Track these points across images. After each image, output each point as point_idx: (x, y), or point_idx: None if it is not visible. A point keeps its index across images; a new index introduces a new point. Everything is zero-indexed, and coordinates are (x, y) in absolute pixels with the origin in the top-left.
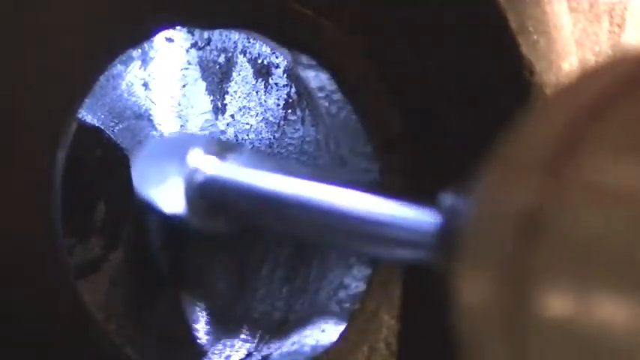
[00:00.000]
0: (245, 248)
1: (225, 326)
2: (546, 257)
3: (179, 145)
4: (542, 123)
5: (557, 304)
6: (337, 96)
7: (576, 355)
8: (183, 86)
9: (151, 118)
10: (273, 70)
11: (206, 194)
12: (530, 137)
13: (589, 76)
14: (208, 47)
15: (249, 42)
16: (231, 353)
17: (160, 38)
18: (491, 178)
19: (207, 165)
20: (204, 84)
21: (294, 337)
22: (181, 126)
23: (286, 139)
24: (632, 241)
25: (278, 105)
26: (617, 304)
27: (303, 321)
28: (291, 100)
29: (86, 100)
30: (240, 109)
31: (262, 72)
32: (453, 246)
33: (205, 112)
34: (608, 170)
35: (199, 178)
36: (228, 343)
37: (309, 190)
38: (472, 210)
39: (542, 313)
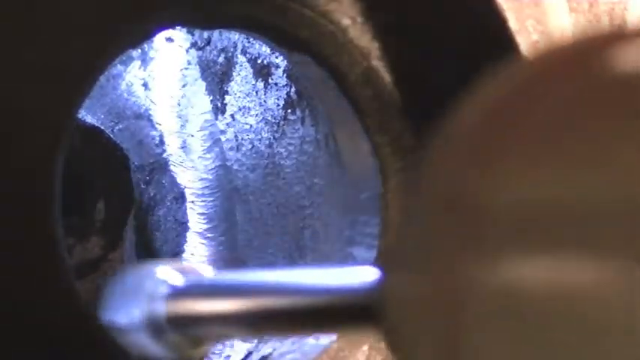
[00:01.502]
0: None
1: None
2: (477, 233)
3: (144, 271)
4: (472, 110)
5: (491, 279)
6: (337, 96)
7: (513, 333)
8: (183, 86)
9: (151, 118)
10: (273, 70)
11: (170, 304)
12: (459, 124)
13: (517, 64)
14: (208, 47)
15: (249, 42)
16: (231, 353)
17: (160, 38)
18: (424, 170)
19: (172, 279)
20: (204, 84)
21: (294, 337)
22: (181, 126)
23: (286, 139)
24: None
25: (278, 105)
26: (555, 272)
27: None
28: (291, 100)
29: (86, 100)
30: (240, 109)
31: (262, 72)
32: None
33: (205, 112)
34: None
35: (163, 290)
36: (228, 342)
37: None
38: (407, 205)
39: (475, 291)
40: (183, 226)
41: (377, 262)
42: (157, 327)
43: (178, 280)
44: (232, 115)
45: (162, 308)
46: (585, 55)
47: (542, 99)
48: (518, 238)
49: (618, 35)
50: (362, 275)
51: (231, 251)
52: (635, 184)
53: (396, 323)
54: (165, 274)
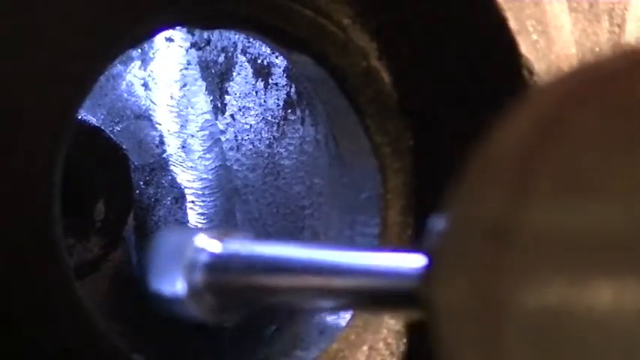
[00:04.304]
0: None
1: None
2: (514, 259)
3: (183, 238)
4: (507, 134)
5: (530, 300)
6: (337, 96)
7: (551, 349)
8: (183, 86)
9: (151, 118)
10: (273, 70)
11: (210, 272)
12: (495, 148)
13: (549, 85)
14: (208, 47)
15: (249, 42)
16: None
17: (160, 38)
18: (461, 193)
19: (211, 246)
20: (204, 84)
21: (294, 337)
22: (181, 126)
23: (286, 139)
24: (598, 233)
25: (278, 105)
26: (592, 291)
27: (303, 321)
28: (291, 100)
29: (86, 100)
30: (240, 109)
31: (262, 72)
32: (429, 266)
33: (205, 112)
34: (571, 172)
35: (203, 258)
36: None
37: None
38: (445, 226)
39: (514, 310)
40: (185, 226)
41: (425, 251)
42: (196, 294)
43: (217, 248)
44: (232, 115)
45: (202, 276)
46: (612, 80)
47: (572, 126)
48: (553, 262)
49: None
50: (407, 261)
51: None
52: None
53: (441, 323)
54: (205, 242)
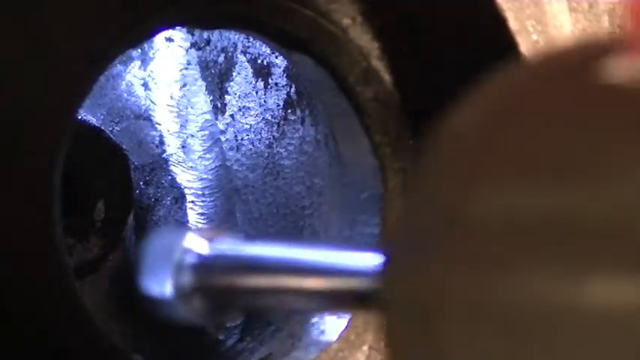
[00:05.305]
0: None
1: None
2: (462, 248)
3: (173, 238)
4: (459, 122)
5: (472, 286)
6: (337, 96)
7: (490, 332)
8: (183, 86)
9: (151, 118)
10: (273, 70)
11: (197, 274)
12: (447, 136)
13: (506, 73)
14: (208, 47)
15: (249, 42)
16: None
17: (159, 38)
18: (415, 183)
19: (199, 247)
20: (203, 84)
21: (294, 337)
22: (181, 126)
23: (286, 139)
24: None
25: (278, 105)
26: (543, 282)
27: (302, 321)
28: (291, 100)
29: (86, 100)
30: (239, 109)
31: (262, 72)
32: (385, 262)
33: (205, 112)
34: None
35: (191, 259)
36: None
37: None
38: (398, 219)
39: (459, 300)
40: (183, 226)
41: (382, 249)
42: (184, 295)
43: (205, 249)
44: (232, 115)
45: (189, 277)
46: (573, 68)
47: (532, 111)
48: (500, 249)
49: (607, 46)
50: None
51: None
52: (620, 197)
53: (389, 319)
54: (193, 242)
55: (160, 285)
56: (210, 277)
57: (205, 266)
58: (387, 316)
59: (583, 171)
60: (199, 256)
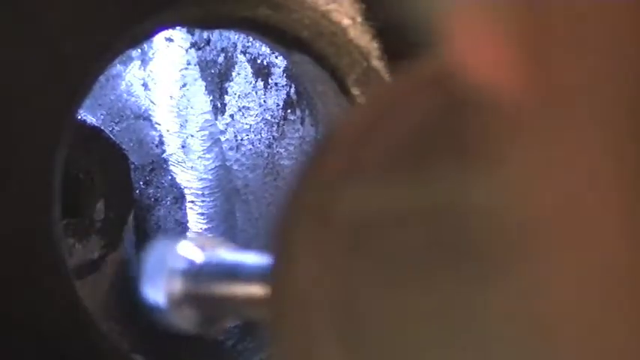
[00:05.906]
0: None
1: None
2: (332, 245)
3: (169, 246)
4: (345, 126)
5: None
6: (337, 96)
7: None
8: (183, 86)
9: (151, 118)
10: (273, 70)
11: (188, 282)
12: (331, 140)
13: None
14: (208, 47)
15: (249, 42)
16: None
17: (159, 38)
18: (298, 181)
19: (192, 255)
20: (203, 84)
21: None
22: (181, 126)
23: (286, 139)
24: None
25: (278, 105)
26: (411, 284)
27: None
28: (291, 100)
29: (86, 100)
30: (239, 109)
31: (262, 72)
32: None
33: (205, 112)
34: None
35: (182, 267)
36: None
37: None
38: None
39: (324, 299)
40: (182, 226)
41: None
42: (175, 304)
43: (198, 257)
44: (232, 115)
45: (180, 286)
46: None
47: (393, 126)
48: (367, 248)
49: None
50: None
51: None
52: (442, 193)
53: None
54: (186, 250)
55: (155, 292)
56: (197, 286)
57: (194, 274)
58: (270, 315)
59: (435, 167)
60: (191, 263)
